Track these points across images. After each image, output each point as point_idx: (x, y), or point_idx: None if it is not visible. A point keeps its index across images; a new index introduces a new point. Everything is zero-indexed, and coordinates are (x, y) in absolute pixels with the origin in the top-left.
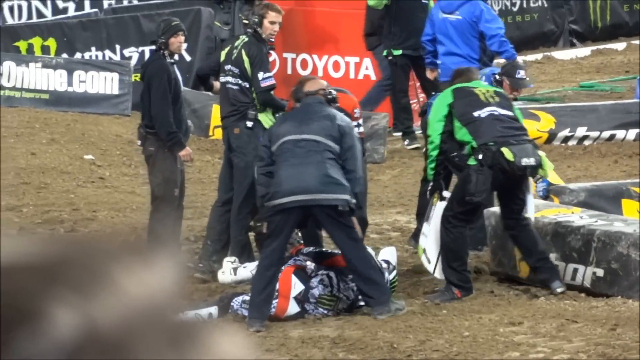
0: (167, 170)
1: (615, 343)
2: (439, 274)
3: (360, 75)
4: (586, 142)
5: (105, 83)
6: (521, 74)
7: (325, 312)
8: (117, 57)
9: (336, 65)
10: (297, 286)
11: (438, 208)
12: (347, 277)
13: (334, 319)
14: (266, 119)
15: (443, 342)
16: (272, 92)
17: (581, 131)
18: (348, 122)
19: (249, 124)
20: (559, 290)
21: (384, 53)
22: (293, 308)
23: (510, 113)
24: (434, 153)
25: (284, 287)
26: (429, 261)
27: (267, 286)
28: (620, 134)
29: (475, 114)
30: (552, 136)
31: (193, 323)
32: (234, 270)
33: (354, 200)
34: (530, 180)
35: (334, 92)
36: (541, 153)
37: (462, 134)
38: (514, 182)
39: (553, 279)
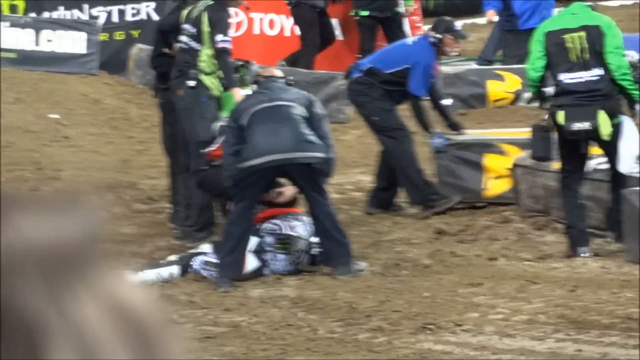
0: (174, 124)
1: (574, 304)
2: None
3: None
4: None
5: (73, 42)
6: (457, 25)
7: (284, 256)
8: (85, 17)
9: (271, 23)
10: (251, 240)
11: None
12: (287, 218)
13: (294, 278)
14: (211, 80)
15: (403, 302)
16: (228, 57)
17: (548, 92)
18: (312, 96)
19: (191, 83)
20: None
21: (351, 13)
22: (252, 263)
23: (594, 75)
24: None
25: None
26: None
27: (236, 246)
28: None
29: (561, 76)
30: (518, 97)
31: (85, 263)
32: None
33: (330, 155)
34: (627, 127)
35: (290, 78)
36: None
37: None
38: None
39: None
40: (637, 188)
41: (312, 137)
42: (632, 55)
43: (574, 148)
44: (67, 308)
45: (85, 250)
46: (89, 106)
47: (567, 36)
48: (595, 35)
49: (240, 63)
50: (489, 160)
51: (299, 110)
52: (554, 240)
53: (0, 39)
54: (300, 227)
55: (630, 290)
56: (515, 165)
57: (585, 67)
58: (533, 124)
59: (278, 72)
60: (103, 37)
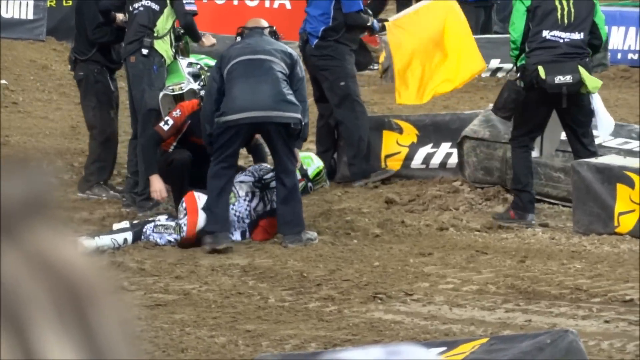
0: (100, 93)
1: (524, 275)
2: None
3: (275, 4)
4: (499, 74)
5: (20, 8)
6: None
7: (232, 205)
8: None
9: None
10: (201, 198)
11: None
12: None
13: (244, 247)
14: (163, 47)
15: (353, 271)
16: (192, 19)
17: (494, 63)
18: (296, 54)
19: (144, 51)
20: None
21: None
22: (203, 219)
23: (574, 38)
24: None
25: (190, 204)
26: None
27: (220, 195)
28: None
29: (544, 34)
30: None
31: (17, 222)
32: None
33: (306, 120)
34: (596, 98)
35: (275, 29)
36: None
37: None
38: (569, 103)
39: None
40: (586, 160)
41: (291, 97)
42: None
43: (551, 105)
44: None
45: (21, 210)
46: (37, 72)
47: None
48: (586, 3)
49: (183, 31)
50: (386, 137)
51: (280, 67)
52: (504, 210)
53: None
54: (242, 175)
55: (579, 262)
56: (466, 137)
57: (567, 28)
58: (508, 80)
59: (263, 22)
60: (51, 3)
